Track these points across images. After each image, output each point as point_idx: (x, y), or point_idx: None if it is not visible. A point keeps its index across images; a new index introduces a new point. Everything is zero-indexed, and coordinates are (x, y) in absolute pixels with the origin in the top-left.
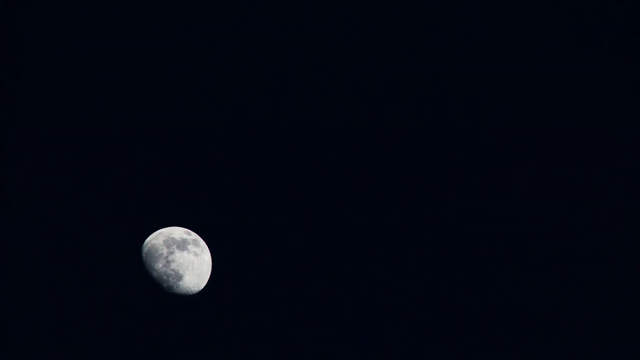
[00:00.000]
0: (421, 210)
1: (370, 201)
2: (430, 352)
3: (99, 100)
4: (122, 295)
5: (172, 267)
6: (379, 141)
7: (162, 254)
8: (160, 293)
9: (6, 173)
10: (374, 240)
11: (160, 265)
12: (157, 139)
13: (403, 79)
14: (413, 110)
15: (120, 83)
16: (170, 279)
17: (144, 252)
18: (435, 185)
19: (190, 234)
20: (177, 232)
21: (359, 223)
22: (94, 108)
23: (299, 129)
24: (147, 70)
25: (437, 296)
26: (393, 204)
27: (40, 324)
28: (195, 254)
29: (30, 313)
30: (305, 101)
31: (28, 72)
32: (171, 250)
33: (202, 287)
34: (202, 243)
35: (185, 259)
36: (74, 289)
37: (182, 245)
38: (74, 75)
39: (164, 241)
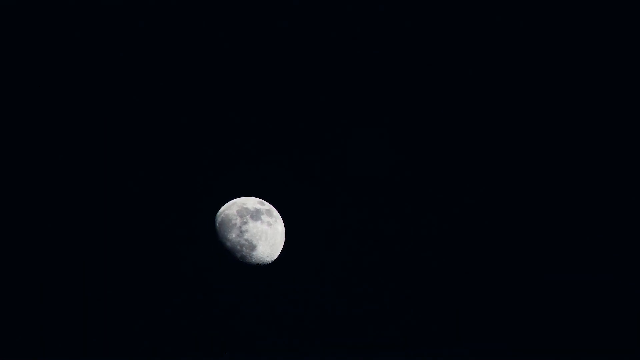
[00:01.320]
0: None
1: (453, 174)
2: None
3: (171, 81)
4: (196, 264)
5: (245, 237)
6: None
7: (235, 224)
8: (233, 262)
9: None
10: (459, 213)
11: (233, 235)
12: (232, 112)
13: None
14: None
15: (198, 63)
16: (244, 249)
17: (217, 222)
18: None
19: (263, 204)
20: (251, 202)
21: (439, 196)
22: (168, 90)
23: (369, 104)
24: (222, 53)
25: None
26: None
27: (118, 293)
28: (269, 224)
29: (109, 283)
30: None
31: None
32: (245, 220)
33: (275, 257)
34: (276, 213)
35: (259, 229)
36: (150, 260)
37: (256, 215)
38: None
39: (238, 211)
